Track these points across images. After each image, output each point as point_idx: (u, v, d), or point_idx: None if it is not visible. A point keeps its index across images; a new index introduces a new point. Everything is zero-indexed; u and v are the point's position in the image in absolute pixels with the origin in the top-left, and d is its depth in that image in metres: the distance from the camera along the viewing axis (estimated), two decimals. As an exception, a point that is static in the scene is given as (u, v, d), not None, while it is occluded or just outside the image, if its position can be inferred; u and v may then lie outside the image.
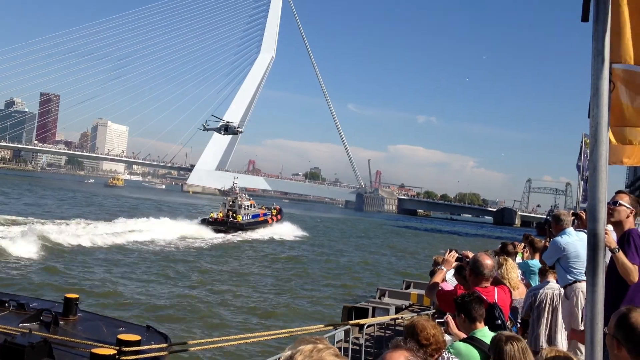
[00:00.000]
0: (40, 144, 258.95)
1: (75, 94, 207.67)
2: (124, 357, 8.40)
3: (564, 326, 8.38)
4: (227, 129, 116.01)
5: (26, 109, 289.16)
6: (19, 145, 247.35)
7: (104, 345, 8.44)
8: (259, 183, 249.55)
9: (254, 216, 71.46)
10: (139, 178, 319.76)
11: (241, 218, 67.66)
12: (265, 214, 74.96)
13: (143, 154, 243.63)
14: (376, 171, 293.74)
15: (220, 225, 64.89)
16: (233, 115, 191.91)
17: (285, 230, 71.12)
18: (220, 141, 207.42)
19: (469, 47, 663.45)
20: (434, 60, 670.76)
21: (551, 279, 8.61)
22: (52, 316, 10.18)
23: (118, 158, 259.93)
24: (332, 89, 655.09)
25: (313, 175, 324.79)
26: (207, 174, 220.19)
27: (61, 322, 10.29)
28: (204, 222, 65.42)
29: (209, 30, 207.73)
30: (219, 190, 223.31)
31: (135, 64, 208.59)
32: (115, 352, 8.17)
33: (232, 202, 69.97)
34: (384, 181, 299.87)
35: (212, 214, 68.68)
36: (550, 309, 8.35)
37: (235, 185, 76.56)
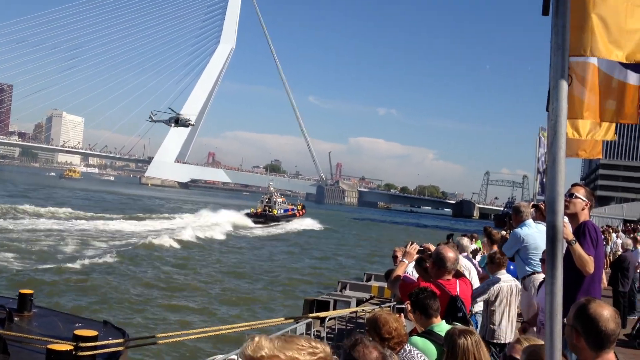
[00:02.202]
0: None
1: (28, 84, 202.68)
2: (80, 353, 8.25)
3: (514, 318, 8.54)
4: (177, 121, 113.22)
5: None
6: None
7: (60, 341, 8.27)
8: (219, 175, 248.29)
9: (285, 210, 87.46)
10: (96, 170, 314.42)
11: (276, 212, 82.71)
12: (292, 209, 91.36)
13: (100, 145, 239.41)
14: (337, 163, 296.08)
15: (260, 217, 78.53)
16: (192, 106, 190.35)
17: (308, 223, 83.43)
18: (179, 133, 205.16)
19: (431, 39, 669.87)
20: (395, 53, 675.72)
21: (503, 271, 8.71)
22: (7, 312, 9.94)
23: (74, 150, 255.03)
24: (293, 80, 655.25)
25: (274, 168, 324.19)
26: (166, 166, 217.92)
27: (16, 319, 10.05)
28: (247, 215, 78.93)
29: (167, 20, 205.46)
30: (178, 182, 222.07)
31: (91, 53, 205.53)
32: (72, 347, 8.01)
33: (268, 199, 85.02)
34: (345, 174, 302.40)
35: (252, 209, 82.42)
36: (507, 302, 8.47)
37: (270, 184, 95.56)
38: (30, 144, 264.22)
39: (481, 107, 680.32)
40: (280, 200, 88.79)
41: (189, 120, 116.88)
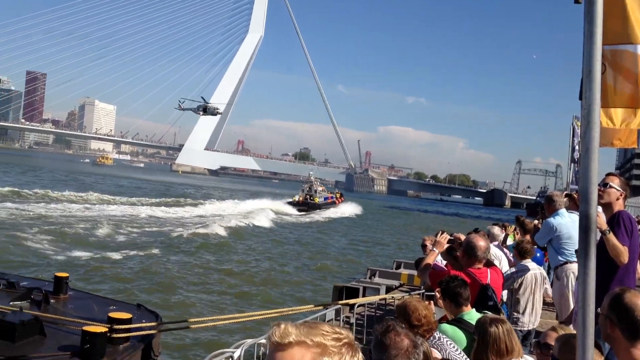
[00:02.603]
0: (27, 123, 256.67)
1: (61, 72, 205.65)
2: (115, 335, 8.43)
3: (539, 306, 8.51)
4: (205, 109, 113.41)
5: (12, 87, 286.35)
6: (6, 124, 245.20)
7: (95, 323, 8.45)
8: (248, 163, 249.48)
9: (325, 198, 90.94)
10: (128, 157, 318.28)
11: (318, 200, 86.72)
12: (332, 197, 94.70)
13: (131, 133, 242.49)
14: (366, 152, 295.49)
15: (302, 206, 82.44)
16: (221, 94, 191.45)
17: (348, 209, 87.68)
18: (208, 121, 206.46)
19: (460, 27, 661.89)
20: (424, 40, 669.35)
21: (529, 260, 8.67)
22: (43, 294, 10.18)
23: (106, 137, 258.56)
24: (322, 69, 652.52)
25: (303, 156, 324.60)
26: (196, 154, 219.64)
27: (52, 301, 10.29)
28: (289, 203, 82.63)
29: (197, 9, 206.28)
30: (208, 170, 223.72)
31: (122, 42, 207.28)
32: (107, 329, 8.19)
33: (309, 188, 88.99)
34: (374, 162, 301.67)
35: (294, 198, 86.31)
36: (532, 290, 8.43)
37: (310, 174, 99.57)
38: (63, 131, 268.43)
39: (513, 94, 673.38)
40: (320, 188, 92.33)
41: (217, 109, 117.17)
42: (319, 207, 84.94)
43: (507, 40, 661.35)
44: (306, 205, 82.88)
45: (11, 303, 9.65)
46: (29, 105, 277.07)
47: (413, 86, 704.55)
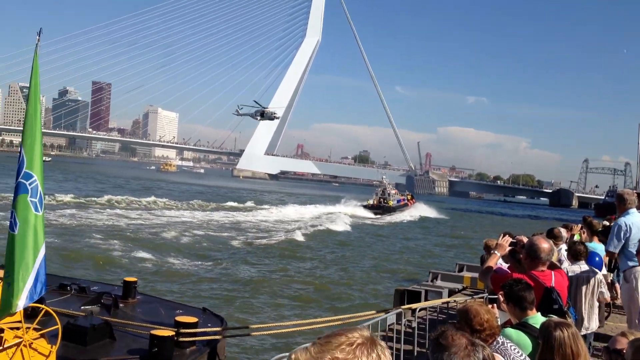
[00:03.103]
0: (94, 132, 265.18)
1: (126, 82, 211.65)
2: (181, 339, 8.63)
3: (594, 309, 8.26)
4: (262, 114, 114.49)
5: (79, 98, 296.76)
6: (74, 133, 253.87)
7: (162, 327, 8.67)
8: (308, 167, 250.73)
9: (398, 201, 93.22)
10: (190, 163, 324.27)
11: (392, 203, 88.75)
12: (404, 199, 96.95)
13: (193, 139, 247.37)
14: (426, 153, 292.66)
15: (377, 209, 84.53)
16: (280, 99, 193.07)
17: (421, 211, 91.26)
18: (268, 126, 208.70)
19: (521, 24, 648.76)
20: (483, 38, 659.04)
21: (582, 262, 8.43)
22: (112, 299, 10.51)
23: (169, 144, 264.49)
24: (380, 71, 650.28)
25: (362, 159, 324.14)
26: (256, 159, 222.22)
27: (121, 305, 10.61)
28: (364, 207, 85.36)
29: (255, 16, 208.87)
30: (269, 174, 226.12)
31: (183, 50, 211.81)
32: (174, 333, 8.39)
33: (382, 191, 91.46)
34: (434, 163, 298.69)
35: (368, 201, 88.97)
36: (585, 293, 8.18)
37: (383, 179, 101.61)
38: (129, 139, 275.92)
39: (579, 91, 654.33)
40: (393, 192, 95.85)
41: (274, 114, 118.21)
42: (393, 209, 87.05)
43: (572, 37, 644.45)
44: (381, 209, 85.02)
45: (82, 308, 10.01)
46: (95, 114, 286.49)
47: (474, 86, 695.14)
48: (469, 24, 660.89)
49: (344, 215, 70.67)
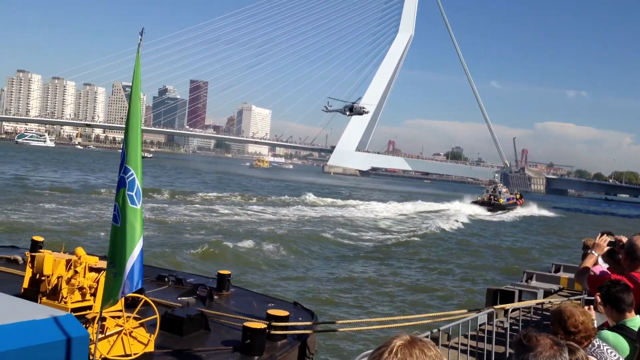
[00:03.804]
0: (191, 129, 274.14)
1: (221, 80, 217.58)
2: (273, 332, 8.82)
3: None
4: (351, 109, 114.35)
5: (178, 96, 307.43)
6: (173, 130, 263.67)
7: (254, 319, 8.88)
8: (399, 163, 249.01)
9: (507, 199, 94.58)
10: (282, 160, 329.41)
11: (502, 200, 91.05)
12: (513, 198, 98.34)
13: (285, 136, 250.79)
14: (522, 150, 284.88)
15: (488, 205, 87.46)
16: (372, 95, 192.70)
17: (531, 210, 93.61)
18: (359, 123, 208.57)
19: (621, 14, 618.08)
20: (582, 31, 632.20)
21: None
22: (207, 291, 10.87)
23: (262, 141, 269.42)
24: (474, 65, 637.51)
25: (454, 155, 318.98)
26: (347, 155, 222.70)
27: (215, 297, 10.95)
28: (475, 202, 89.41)
29: (348, 12, 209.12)
30: (359, 171, 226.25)
31: (276, 49, 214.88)
32: (266, 326, 8.58)
33: (494, 189, 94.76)
34: (531, 160, 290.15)
35: (478, 197, 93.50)
36: None
37: (495, 177, 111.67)
38: (224, 136, 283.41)
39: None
40: (504, 190, 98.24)
41: (363, 108, 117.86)
42: (503, 207, 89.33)
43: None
44: (492, 206, 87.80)
45: (179, 299, 10.42)
46: (192, 112, 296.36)
47: (573, 79, 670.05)
48: (564, 15, 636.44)
49: (455, 212, 74.16)
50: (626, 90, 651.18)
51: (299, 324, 9.48)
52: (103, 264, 8.18)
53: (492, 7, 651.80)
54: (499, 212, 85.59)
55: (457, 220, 62.18)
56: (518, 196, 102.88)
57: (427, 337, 9.67)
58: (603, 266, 7.02)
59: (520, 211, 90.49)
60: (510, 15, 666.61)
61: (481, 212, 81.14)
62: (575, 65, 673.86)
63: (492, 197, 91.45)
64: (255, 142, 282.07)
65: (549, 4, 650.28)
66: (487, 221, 70.42)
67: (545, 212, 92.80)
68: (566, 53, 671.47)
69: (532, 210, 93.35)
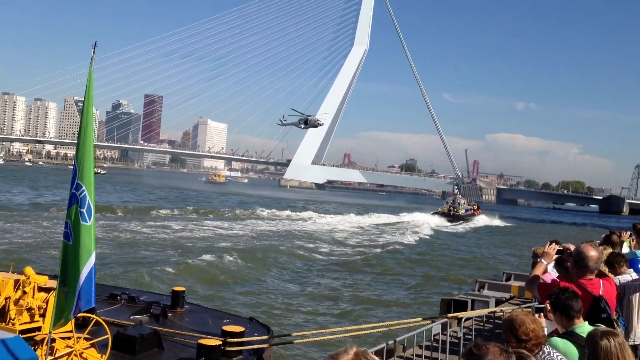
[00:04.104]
0: (145, 144, 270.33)
1: (177, 94, 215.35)
2: (228, 348, 8.73)
3: None
4: (306, 122, 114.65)
5: (132, 110, 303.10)
6: (126, 146, 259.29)
7: (209, 336, 8.79)
8: (354, 176, 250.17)
9: (466, 210, 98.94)
10: (238, 174, 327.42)
11: (461, 211, 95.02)
12: (471, 209, 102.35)
13: (241, 150, 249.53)
14: (473, 161, 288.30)
15: (448, 216, 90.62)
16: (327, 108, 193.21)
17: (485, 220, 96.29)
18: (315, 136, 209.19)
19: (570, 25, 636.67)
20: (531, 44, 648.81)
21: (629, 270, 8.21)
22: (161, 308, 10.71)
23: (218, 155, 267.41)
24: (427, 78, 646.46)
25: (409, 167, 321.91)
26: (303, 169, 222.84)
27: (169, 314, 10.79)
28: (436, 213, 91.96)
29: (303, 27, 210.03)
30: (315, 184, 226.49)
31: (232, 63, 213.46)
32: (221, 343, 8.49)
33: (453, 200, 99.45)
34: (482, 171, 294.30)
35: (439, 209, 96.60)
36: (637, 302, 7.94)
37: (454, 189, 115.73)
38: (179, 150, 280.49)
39: (631, 95, 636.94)
40: (462, 201, 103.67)
41: (318, 120, 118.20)
42: (462, 218, 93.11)
43: (622, 40, 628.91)
44: (451, 217, 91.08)
45: (132, 317, 10.23)
46: (147, 127, 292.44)
47: (522, 92, 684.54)
48: (517, 30, 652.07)
49: (415, 223, 76.17)
50: (573, 101, 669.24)
51: (255, 339, 9.41)
52: (53, 283, 7.99)
53: (444, 22, 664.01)
54: (459, 222, 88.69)
55: (416, 232, 62.77)
56: (475, 207, 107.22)
57: (383, 348, 9.73)
58: (553, 275, 7.17)
59: (477, 221, 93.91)
60: (461, 30, 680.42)
61: (441, 223, 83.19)
62: (524, 77, 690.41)
63: (451, 208, 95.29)
64: (211, 157, 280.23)
65: (497, 18, 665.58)
66: (445, 232, 71.44)
67: (498, 222, 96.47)
68: (515, 66, 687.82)
69: (488, 220, 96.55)
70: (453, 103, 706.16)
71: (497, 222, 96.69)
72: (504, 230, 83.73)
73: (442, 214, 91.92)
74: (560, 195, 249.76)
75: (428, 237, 60.63)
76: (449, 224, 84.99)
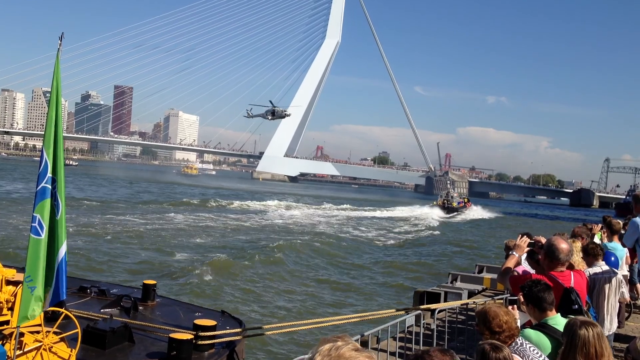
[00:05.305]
0: (115, 136, 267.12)
1: (147, 85, 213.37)
2: (200, 342, 8.66)
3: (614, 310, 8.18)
4: (273, 113, 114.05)
5: (101, 102, 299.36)
6: (96, 137, 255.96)
7: (181, 330, 8.70)
8: (327, 169, 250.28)
9: (458, 203, 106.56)
10: (210, 166, 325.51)
11: (455, 204, 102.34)
12: (463, 202, 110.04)
13: (213, 142, 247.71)
14: (445, 154, 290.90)
15: (444, 208, 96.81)
16: (299, 101, 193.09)
17: (477, 213, 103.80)
18: (287, 128, 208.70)
19: (540, 20, 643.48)
20: (501, 38, 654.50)
21: (601, 262, 8.34)
22: (132, 301, 10.57)
23: (190, 147, 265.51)
24: (399, 71, 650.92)
25: (381, 160, 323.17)
26: (276, 161, 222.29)
27: (140, 308, 10.67)
28: (433, 206, 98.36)
29: (275, 18, 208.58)
30: (288, 176, 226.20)
31: (203, 54, 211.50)
32: (192, 336, 8.41)
33: (447, 194, 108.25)
34: (454, 164, 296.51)
35: (434, 202, 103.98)
36: (606, 294, 8.08)
37: (448, 183, 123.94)
38: (150, 142, 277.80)
39: (601, 90, 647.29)
40: (455, 194, 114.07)
41: (285, 111, 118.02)
42: (455, 210, 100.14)
43: (595, 36, 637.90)
44: (446, 209, 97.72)
45: (102, 310, 10.08)
46: (117, 118, 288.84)
47: (493, 86, 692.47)
48: (489, 23, 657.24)
49: (412, 215, 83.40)
50: (543, 95, 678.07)
51: (227, 332, 9.34)
52: (21, 276, 7.83)
53: (416, 15, 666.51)
54: (453, 214, 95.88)
55: (389, 231, 62.22)
56: (466, 200, 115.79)
57: (357, 340, 9.72)
58: (526, 267, 7.23)
59: (473, 213, 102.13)
60: (434, 23, 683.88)
61: (440, 214, 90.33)
62: (494, 71, 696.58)
63: (445, 201, 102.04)
64: (183, 149, 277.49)
65: (469, 13, 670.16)
66: (432, 226, 71.58)
67: (487, 214, 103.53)
68: (487, 59, 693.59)
69: (481, 213, 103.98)
70: (425, 96, 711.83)
71: (487, 214, 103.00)
72: (490, 222, 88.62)
73: (438, 207, 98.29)
74: (531, 188, 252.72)
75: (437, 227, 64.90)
76: (446, 215, 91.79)
